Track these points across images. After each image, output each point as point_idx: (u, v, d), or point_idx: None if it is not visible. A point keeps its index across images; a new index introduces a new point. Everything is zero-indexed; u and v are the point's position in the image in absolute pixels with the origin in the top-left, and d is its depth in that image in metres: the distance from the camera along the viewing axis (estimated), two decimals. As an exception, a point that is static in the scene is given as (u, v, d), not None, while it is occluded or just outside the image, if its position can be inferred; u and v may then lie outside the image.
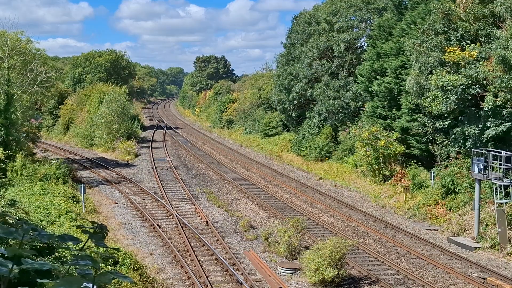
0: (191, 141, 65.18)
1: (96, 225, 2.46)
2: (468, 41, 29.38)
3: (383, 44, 39.35)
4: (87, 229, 2.43)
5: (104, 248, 2.52)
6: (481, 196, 25.29)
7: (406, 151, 35.98)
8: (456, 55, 27.89)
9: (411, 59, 32.12)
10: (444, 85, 28.19)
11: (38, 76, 42.31)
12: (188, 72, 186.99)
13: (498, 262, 22.35)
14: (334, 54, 48.58)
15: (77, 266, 2.18)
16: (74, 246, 2.39)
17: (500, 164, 24.46)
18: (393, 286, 19.43)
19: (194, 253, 22.51)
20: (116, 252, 2.68)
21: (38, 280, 2.07)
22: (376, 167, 36.60)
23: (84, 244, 2.37)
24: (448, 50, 28.53)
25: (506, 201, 24.80)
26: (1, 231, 2.19)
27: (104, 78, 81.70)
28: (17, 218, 16.45)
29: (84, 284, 2.04)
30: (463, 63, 27.92)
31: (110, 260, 2.57)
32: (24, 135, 42.28)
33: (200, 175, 42.49)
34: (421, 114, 33.42)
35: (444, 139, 32.12)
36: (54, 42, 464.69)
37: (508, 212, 24.27)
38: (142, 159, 50.51)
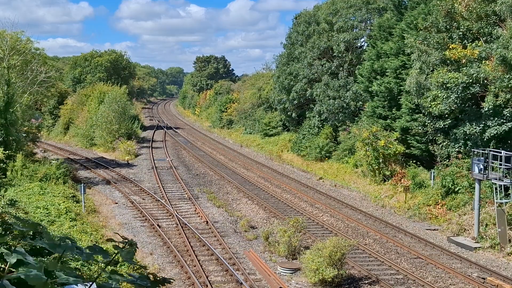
0: (191, 141, 65.18)
1: (126, 240, 2.48)
2: (470, 40, 29.41)
3: (383, 44, 39.34)
4: (117, 243, 2.46)
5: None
6: (481, 196, 25.28)
7: (406, 151, 35.97)
8: (458, 53, 27.91)
9: (412, 57, 32.12)
10: (445, 82, 28.18)
11: (38, 76, 42.28)
12: (188, 72, 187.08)
13: (498, 262, 22.35)
14: (334, 54, 48.58)
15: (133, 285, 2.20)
16: (103, 260, 2.42)
17: (500, 164, 24.47)
18: (393, 286, 19.43)
19: (194, 253, 22.51)
20: (145, 269, 2.71)
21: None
22: (376, 167, 36.58)
23: (113, 258, 2.40)
24: (450, 47, 28.57)
25: (506, 201, 24.79)
26: (47, 244, 2.24)
27: (104, 78, 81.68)
28: (17, 218, 16.44)
29: None
30: (464, 60, 27.93)
31: (164, 284, 2.60)
32: (24, 135, 42.26)
33: (200, 175, 42.49)
34: (421, 114, 33.40)
35: (445, 139, 32.10)
36: (54, 42, 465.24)
37: (508, 212, 24.27)
38: (142, 159, 50.51)
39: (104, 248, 2.45)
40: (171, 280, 2.53)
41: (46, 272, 2.07)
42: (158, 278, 2.36)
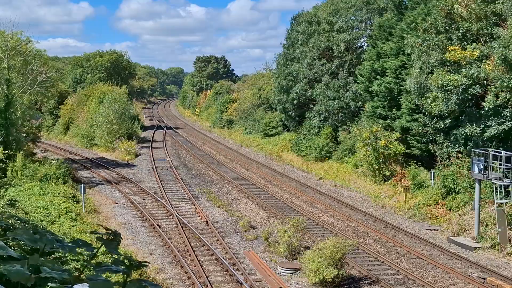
0: (191, 141, 65.17)
1: (110, 231, 2.44)
2: (470, 41, 29.38)
3: (383, 44, 39.34)
4: (101, 235, 2.41)
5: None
6: (481, 196, 25.28)
7: (407, 151, 35.95)
8: (458, 54, 27.88)
9: (412, 57, 32.10)
10: (444, 84, 28.16)
11: (38, 76, 42.29)
12: (188, 72, 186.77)
13: (498, 262, 22.35)
14: (334, 54, 48.58)
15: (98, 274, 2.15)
16: (87, 252, 2.38)
17: (500, 164, 24.47)
18: (393, 286, 19.43)
19: (194, 253, 22.51)
20: (131, 260, 2.64)
21: (49, 284, 2.07)
22: (377, 167, 36.58)
23: (97, 250, 2.36)
24: (449, 49, 28.54)
25: (506, 201, 24.81)
26: (26, 238, 2.19)
27: (104, 78, 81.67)
28: (17, 218, 16.45)
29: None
30: (464, 62, 27.90)
31: (140, 268, 2.54)
32: (24, 135, 42.27)
33: (200, 175, 42.49)
34: (422, 114, 33.39)
35: (445, 140, 32.10)
36: (54, 42, 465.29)
37: (508, 212, 24.27)
38: (142, 159, 50.52)
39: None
40: (147, 263, 2.51)
41: (31, 267, 2.02)
42: (132, 263, 2.32)
